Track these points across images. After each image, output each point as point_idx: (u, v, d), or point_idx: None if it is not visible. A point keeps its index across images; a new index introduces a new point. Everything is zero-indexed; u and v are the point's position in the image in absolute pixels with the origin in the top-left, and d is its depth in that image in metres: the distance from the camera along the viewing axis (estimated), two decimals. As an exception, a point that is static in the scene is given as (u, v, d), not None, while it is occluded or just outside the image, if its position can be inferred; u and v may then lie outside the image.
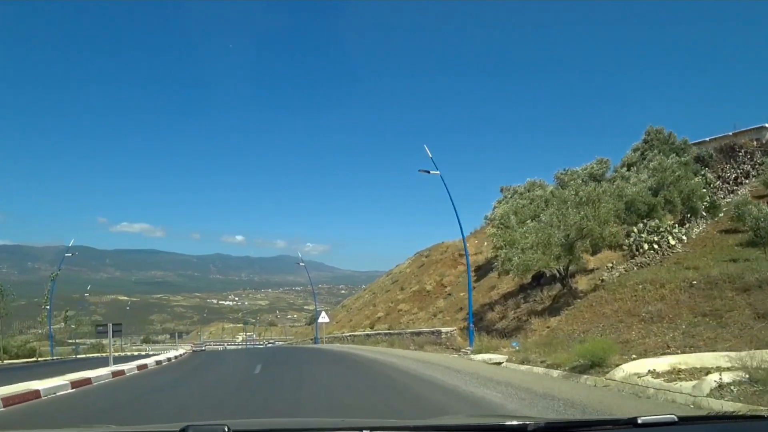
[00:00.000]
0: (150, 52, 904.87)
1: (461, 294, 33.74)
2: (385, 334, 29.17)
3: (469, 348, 18.82)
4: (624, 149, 33.90)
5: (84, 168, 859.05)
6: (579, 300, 21.22)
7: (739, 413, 3.23)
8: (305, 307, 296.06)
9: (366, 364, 16.81)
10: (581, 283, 23.29)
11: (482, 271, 35.10)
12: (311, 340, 40.07)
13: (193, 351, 41.97)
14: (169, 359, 24.19)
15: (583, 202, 19.81)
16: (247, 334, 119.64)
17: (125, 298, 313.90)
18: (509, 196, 37.74)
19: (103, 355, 66.94)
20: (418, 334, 25.12)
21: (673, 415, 2.44)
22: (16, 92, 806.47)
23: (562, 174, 35.80)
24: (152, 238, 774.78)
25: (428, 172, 19.30)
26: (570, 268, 22.59)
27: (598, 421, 2.67)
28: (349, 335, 33.89)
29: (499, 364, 16.14)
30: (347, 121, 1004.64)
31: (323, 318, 34.77)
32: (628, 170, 30.28)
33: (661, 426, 2.39)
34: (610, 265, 23.50)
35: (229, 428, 2.23)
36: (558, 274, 23.10)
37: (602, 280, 21.67)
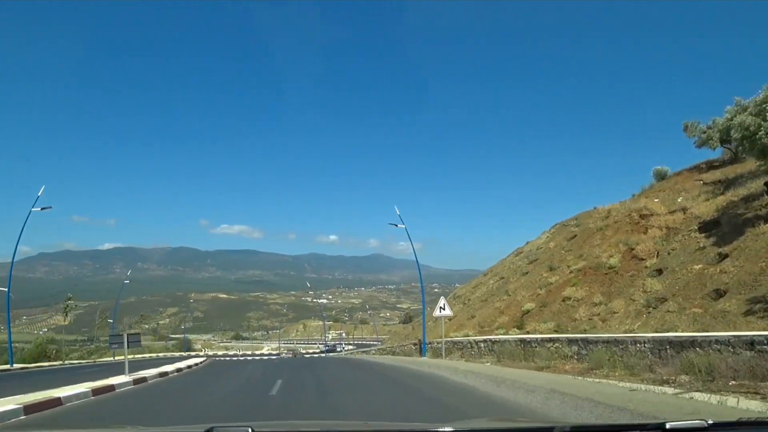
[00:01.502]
0: (239, 59, 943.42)
1: (696, 267, 18.09)
2: (569, 340, 14.38)
3: None
4: None
5: (187, 173, 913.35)
6: None
7: None
8: (398, 305, 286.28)
9: None
10: None
11: (728, 227, 19.21)
12: (413, 345, 25.99)
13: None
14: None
15: None
16: (336, 332, 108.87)
17: (225, 296, 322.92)
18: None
19: (161, 355, 57.83)
20: (689, 343, 10.14)
21: (703, 421, 2.33)
22: (121, 100, 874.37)
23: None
24: (251, 238, 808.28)
25: None
26: None
27: (625, 426, 2.62)
28: (482, 340, 19.42)
29: None
30: (440, 122, 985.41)
31: (443, 309, 20.01)
32: None
33: None
34: None
35: (252, 429, 2.22)
36: None
37: None
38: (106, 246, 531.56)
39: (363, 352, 35.31)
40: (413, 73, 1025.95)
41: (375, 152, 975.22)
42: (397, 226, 24.38)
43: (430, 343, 23.25)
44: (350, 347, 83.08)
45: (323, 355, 51.42)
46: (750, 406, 7.38)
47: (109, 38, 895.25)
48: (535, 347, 15.95)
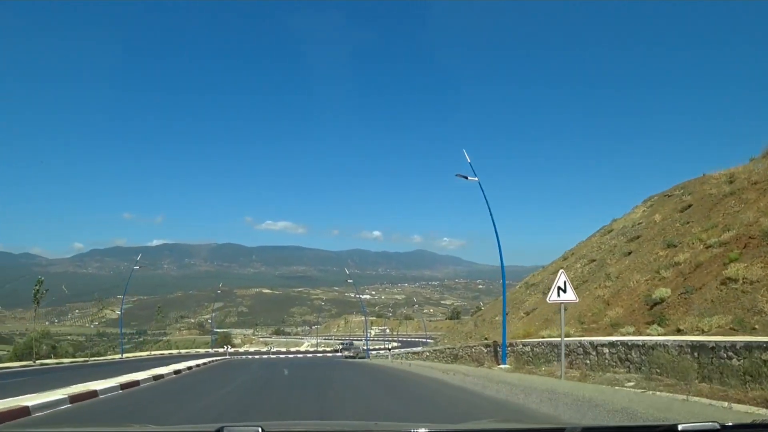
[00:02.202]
0: (279, 63, 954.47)
1: None
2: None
3: None
4: None
5: (232, 171, 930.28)
6: None
7: None
8: (442, 301, 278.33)
9: None
10: None
11: None
12: (484, 347, 19.09)
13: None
14: None
15: None
16: (379, 328, 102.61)
17: (269, 291, 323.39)
18: None
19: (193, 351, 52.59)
20: None
21: (715, 423, 2.29)
22: (167, 103, 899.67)
23: None
24: (294, 234, 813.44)
25: None
26: None
27: (636, 428, 2.81)
28: (606, 343, 12.52)
29: None
30: (476, 122, 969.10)
31: (562, 291, 12.58)
32: None
33: None
34: None
35: (263, 429, 2.21)
36: None
37: None
38: (155, 242, 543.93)
39: (413, 353, 27.95)
40: (441, 75, 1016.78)
41: (415, 151, 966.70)
42: (467, 178, 17.41)
43: (511, 344, 16.43)
44: (394, 344, 76.24)
45: (358, 359, 39.28)
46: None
47: (152, 44, 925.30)
48: (730, 359, 9.00)
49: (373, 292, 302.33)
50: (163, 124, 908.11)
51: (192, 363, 24.31)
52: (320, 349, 70.36)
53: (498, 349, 17.39)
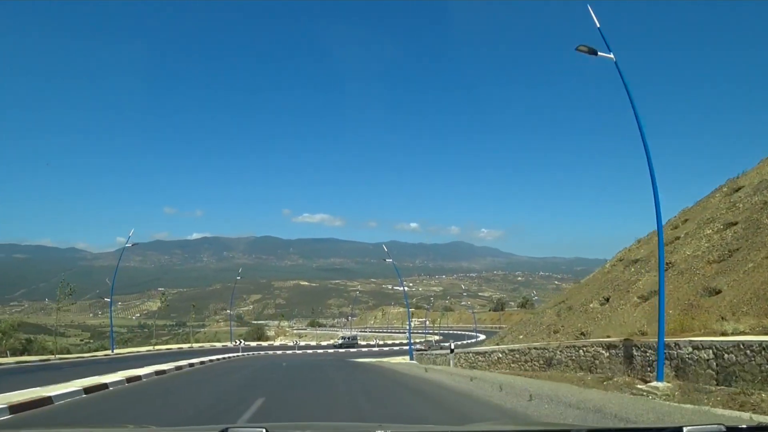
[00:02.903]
0: (316, 64, 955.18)
1: None
2: None
3: None
4: None
5: (271, 165, 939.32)
6: None
7: None
8: (479, 293, 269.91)
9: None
10: None
11: None
12: (606, 348, 12.02)
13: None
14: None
15: None
16: (419, 320, 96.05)
17: (306, 283, 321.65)
18: None
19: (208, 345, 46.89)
20: None
21: (721, 425, 2.29)
22: (209, 101, 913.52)
23: None
24: (332, 227, 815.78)
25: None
26: None
27: (642, 430, 2.05)
28: None
29: None
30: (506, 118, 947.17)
31: None
32: None
33: None
34: None
35: (267, 430, 2.21)
36: None
37: None
38: (195, 236, 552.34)
39: (475, 354, 20.21)
40: (467, 72, 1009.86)
41: (451, 145, 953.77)
42: (596, 53, 9.94)
43: (672, 346, 9.38)
44: (436, 338, 69.43)
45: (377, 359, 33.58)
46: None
47: (195, 46, 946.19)
48: None
49: (411, 284, 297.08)
50: (204, 122, 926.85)
51: (183, 363, 18.77)
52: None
53: (633, 351, 10.55)
